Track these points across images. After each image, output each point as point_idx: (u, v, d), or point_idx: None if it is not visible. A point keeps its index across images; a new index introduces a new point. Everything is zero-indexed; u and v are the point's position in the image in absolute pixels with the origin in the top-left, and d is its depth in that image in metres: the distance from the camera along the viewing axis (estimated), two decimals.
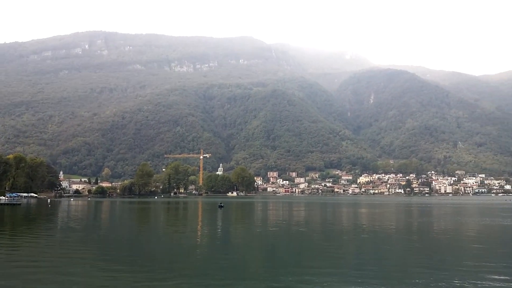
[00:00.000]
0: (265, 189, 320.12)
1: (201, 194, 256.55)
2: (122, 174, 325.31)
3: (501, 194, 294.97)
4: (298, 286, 19.36)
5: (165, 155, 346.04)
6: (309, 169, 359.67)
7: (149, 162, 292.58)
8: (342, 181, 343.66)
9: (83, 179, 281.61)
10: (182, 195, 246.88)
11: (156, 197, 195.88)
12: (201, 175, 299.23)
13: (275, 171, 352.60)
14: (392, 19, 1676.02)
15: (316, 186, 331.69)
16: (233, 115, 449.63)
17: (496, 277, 21.00)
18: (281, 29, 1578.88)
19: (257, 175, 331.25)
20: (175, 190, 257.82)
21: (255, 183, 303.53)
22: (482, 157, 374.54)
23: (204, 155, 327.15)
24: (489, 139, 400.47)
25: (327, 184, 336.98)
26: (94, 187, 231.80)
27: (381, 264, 25.40)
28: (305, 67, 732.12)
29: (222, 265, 24.57)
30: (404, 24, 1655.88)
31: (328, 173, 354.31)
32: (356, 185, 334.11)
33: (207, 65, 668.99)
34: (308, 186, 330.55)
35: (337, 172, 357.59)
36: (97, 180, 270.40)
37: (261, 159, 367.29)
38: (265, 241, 37.08)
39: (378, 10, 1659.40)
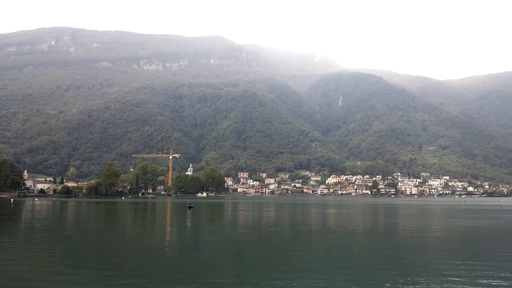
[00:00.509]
0: (235, 190, 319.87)
1: (170, 195, 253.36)
2: (88, 173, 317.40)
3: (464, 196, 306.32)
4: (265, 282, 19.38)
5: (133, 155, 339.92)
6: (279, 170, 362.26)
7: (116, 162, 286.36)
8: (311, 182, 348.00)
9: (48, 179, 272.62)
10: (150, 195, 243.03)
11: (123, 198, 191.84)
12: (170, 176, 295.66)
13: (245, 172, 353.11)
14: (360, 23, 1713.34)
15: (286, 186, 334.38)
16: (204, 115, 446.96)
17: (457, 273, 21.81)
18: (252, 30, 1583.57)
19: (228, 176, 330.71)
20: (143, 190, 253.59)
21: (225, 184, 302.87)
22: (446, 159, 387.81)
23: (173, 155, 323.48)
24: (453, 142, 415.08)
25: (297, 185, 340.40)
26: (59, 187, 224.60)
27: (348, 263, 25.83)
28: (276, 68, 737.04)
29: (191, 267, 24.34)
30: (372, 28, 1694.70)
31: (298, 174, 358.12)
32: (324, 186, 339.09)
33: (177, 64, 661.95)
34: (278, 187, 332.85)
35: (306, 173, 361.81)
36: (63, 180, 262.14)
37: (232, 160, 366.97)
38: (235, 242, 37.01)
39: (347, 14, 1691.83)
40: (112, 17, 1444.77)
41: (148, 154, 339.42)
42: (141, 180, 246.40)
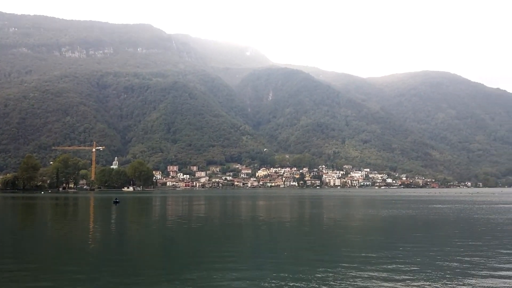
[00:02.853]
0: (165, 184, 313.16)
1: (93, 189, 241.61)
2: (4, 167, 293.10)
3: (383, 187, 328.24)
4: (197, 281, 19.26)
5: (53, 147, 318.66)
6: (210, 163, 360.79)
7: (35, 155, 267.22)
8: (242, 175, 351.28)
9: None
10: (72, 190, 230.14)
11: (42, 192, 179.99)
12: (93, 169, 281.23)
13: (175, 165, 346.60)
14: (289, 20, 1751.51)
15: (217, 180, 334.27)
16: (130, 106, 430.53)
17: (377, 260, 23.30)
18: (183, 19, 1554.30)
19: (156, 169, 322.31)
20: (64, 185, 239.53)
21: (154, 178, 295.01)
22: (367, 153, 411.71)
23: (97, 148, 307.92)
24: (373, 136, 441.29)
25: (228, 177, 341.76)
26: None
27: (276, 254, 26.46)
28: (207, 60, 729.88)
29: (116, 264, 23.46)
30: (300, 26, 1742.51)
31: (229, 167, 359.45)
32: (254, 179, 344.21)
33: (101, 51, 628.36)
34: (209, 180, 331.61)
35: (237, 166, 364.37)
36: None
37: (161, 153, 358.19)
38: (163, 237, 36.27)
39: (277, 10, 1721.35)
40: (32, 0, 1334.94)
41: (69, 146, 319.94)
42: (62, 174, 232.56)
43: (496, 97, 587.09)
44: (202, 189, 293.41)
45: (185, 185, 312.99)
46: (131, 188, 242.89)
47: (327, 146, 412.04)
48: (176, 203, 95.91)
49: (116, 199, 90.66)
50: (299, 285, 18.38)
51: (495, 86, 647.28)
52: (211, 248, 29.01)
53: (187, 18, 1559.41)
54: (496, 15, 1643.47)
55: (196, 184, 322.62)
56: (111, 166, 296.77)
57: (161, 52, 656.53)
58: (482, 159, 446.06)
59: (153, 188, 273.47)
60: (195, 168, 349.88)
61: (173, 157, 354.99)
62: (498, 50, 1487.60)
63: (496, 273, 20.51)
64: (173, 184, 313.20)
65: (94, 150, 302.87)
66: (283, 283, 18.66)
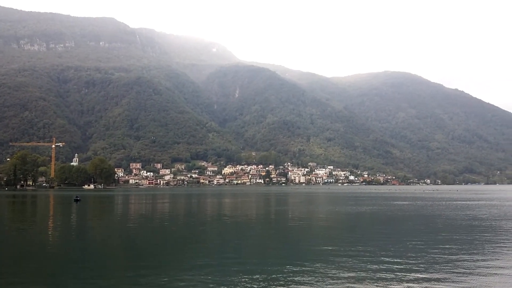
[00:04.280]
0: (127, 182, 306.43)
1: (53, 187, 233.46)
2: None
3: (346, 184, 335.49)
4: (160, 281, 18.88)
5: (10, 143, 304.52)
6: (175, 160, 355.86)
7: None
8: (207, 172, 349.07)
9: None
10: (31, 188, 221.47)
11: None
12: (53, 166, 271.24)
13: (138, 163, 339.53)
14: (256, 18, 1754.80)
15: (182, 177, 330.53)
16: (92, 101, 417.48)
17: (341, 256, 23.67)
18: (147, 13, 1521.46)
19: (118, 167, 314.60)
20: (22, 182, 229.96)
21: (116, 175, 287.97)
22: (331, 150, 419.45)
23: (56, 144, 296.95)
24: (337, 134, 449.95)
25: (193, 175, 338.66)
26: None
27: (241, 252, 26.40)
28: (172, 56, 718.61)
29: (77, 264, 22.65)
30: (267, 24, 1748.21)
31: (194, 165, 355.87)
32: (221, 176, 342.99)
33: (62, 45, 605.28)
34: (173, 178, 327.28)
35: (203, 164, 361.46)
36: None
37: (123, 150, 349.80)
38: (125, 237, 35.39)
39: (243, 7, 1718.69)
40: None
41: (27, 142, 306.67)
42: (19, 171, 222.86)
43: (454, 97, 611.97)
44: (167, 187, 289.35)
45: (149, 183, 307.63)
46: (92, 186, 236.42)
47: (292, 144, 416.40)
48: (139, 202, 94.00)
49: (77, 197, 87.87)
50: (265, 284, 18.35)
51: (454, 87, 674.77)
52: (175, 248, 28.57)
53: (152, 13, 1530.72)
54: (455, 18, 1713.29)
55: (160, 182, 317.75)
56: (71, 163, 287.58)
57: (125, 47, 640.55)
58: (441, 157, 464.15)
59: (115, 186, 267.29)
60: (159, 166, 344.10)
61: (136, 154, 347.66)
62: (457, 52, 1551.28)
63: (458, 264, 21.31)
64: (136, 182, 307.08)
65: (53, 146, 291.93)
66: (248, 280, 18.59)
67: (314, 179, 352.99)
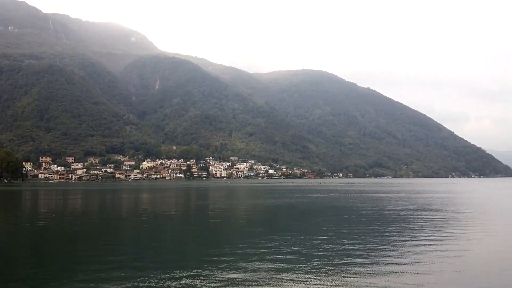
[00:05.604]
0: (36, 176, 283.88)
1: None
2: None
3: (266, 178, 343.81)
4: (71, 281, 17.89)
5: None
6: (89, 154, 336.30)
7: None
8: (124, 167, 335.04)
9: None
10: None
11: None
12: None
13: (48, 156, 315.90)
14: (179, 9, 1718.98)
15: (96, 172, 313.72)
16: None
17: (260, 248, 24.28)
18: None
19: (27, 160, 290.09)
20: None
21: (24, 169, 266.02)
22: (252, 145, 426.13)
23: None
24: (258, 129, 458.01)
25: (108, 170, 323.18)
26: None
27: (159, 248, 25.91)
28: (88, 44, 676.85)
29: None
30: (190, 15, 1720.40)
31: (110, 159, 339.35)
32: (138, 171, 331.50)
33: None
34: (87, 172, 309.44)
35: (119, 158, 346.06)
36: None
37: (32, 142, 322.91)
38: (34, 236, 32.90)
39: None
40: None
41: None
42: None
43: (366, 96, 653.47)
44: (79, 182, 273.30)
45: (60, 178, 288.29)
46: None
47: (214, 138, 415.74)
48: (49, 197, 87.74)
49: None
50: (185, 281, 18.24)
51: (366, 86, 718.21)
52: (88, 247, 27.22)
53: None
54: (367, 21, 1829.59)
55: (72, 176, 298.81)
56: None
57: (36, 33, 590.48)
58: (353, 152, 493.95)
59: (22, 180, 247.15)
60: (71, 159, 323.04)
61: (46, 147, 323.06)
62: (370, 53, 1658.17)
63: (367, 254, 22.94)
64: (46, 177, 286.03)
65: None
66: (166, 277, 18.34)
67: (235, 173, 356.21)
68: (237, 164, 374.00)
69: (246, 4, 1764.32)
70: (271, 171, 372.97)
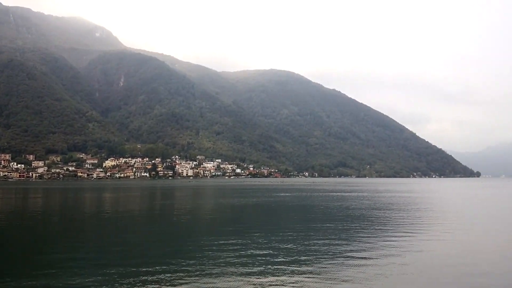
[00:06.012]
0: None
1: None
2: None
3: (233, 177, 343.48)
4: (34, 281, 17.43)
5: None
6: (50, 151, 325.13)
7: None
8: (86, 165, 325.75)
9: None
10: None
11: None
12: None
13: (7, 153, 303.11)
14: (145, 4, 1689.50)
15: (57, 170, 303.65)
16: None
17: (226, 248, 24.45)
18: None
19: None
20: None
21: None
22: (220, 144, 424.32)
23: None
24: (225, 128, 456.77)
25: (70, 168, 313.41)
26: None
27: (122, 248, 25.58)
28: (50, 38, 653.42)
29: None
30: (156, 11, 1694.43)
31: (72, 157, 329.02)
32: (101, 169, 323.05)
33: None
34: (47, 171, 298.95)
35: (81, 156, 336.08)
36: None
37: None
38: None
39: None
40: None
41: None
42: None
43: (332, 97, 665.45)
44: (40, 180, 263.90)
45: (20, 176, 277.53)
46: None
47: (181, 137, 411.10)
48: (7, 196, 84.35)
49: None
50: (150, 278, 18.14)
51: (332, 87, 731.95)
52: (48, 248, 26.51)
53: None
54: (332, 24, 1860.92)
55: (32, 175, 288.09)
56: None
57: None
58: (318, 152, 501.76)
59: None
60: (31, 157, 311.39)
61: (6, 144, 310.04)
62: (336, 54, 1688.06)
63: (330, 251, 23.55)
64: (5, 175, 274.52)
65: None
66: (129, 279, 18.19)
67: (202, 172, 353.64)
68: (204, 163, 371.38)
69: (214, 1, 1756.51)
70: (238, 170, 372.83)
